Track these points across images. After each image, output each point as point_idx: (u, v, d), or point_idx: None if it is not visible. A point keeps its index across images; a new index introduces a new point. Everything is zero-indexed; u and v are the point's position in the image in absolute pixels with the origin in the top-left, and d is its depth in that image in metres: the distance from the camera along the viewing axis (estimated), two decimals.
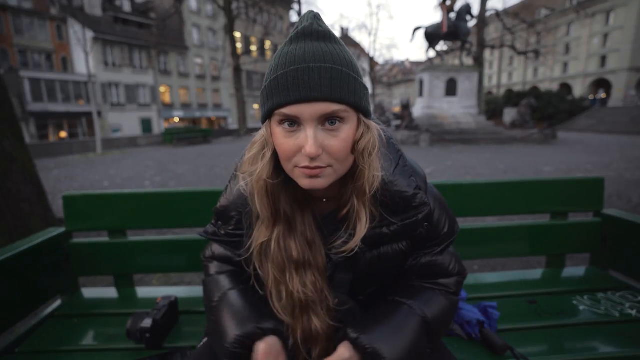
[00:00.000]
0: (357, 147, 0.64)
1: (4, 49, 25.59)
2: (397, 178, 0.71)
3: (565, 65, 43.29)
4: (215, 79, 37.80)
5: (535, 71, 47.45)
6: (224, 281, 0.81)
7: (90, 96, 16.98)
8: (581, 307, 1.27)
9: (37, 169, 3.35)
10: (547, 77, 45.02)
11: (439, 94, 16.11)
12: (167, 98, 33.99)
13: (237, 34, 30.33)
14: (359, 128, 0.64)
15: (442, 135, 14.14)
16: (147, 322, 1.05)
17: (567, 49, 42.58)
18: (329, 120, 0.60)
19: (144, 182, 7.49)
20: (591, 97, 36.48)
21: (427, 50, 16.94)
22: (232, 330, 0.70)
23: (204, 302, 0.84)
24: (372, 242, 0.72)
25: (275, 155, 0.66)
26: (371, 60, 39.00)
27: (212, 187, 1.38)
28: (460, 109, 16.16)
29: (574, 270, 1.57)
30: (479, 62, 20.92)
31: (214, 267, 0.87)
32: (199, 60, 36.16)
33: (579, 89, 40.55)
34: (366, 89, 0.65)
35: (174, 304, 1.18)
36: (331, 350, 0.70)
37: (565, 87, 42.12)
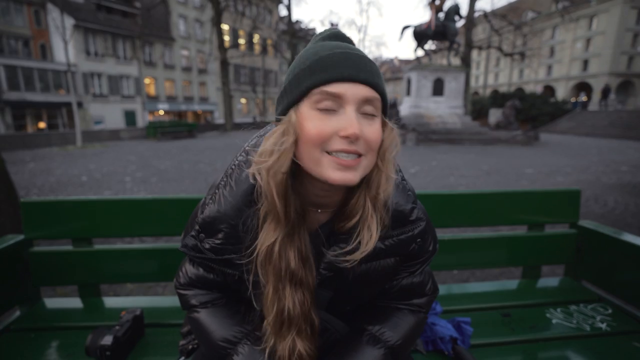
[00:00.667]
0: (383, 146, 0.63)
1: None
2: (396, 192, 0.70)
3: (550, 67, 44.26)
4: (202, 71, 37.20)
5: (521, 73, 48.35)
6: (212, 324, 0.76)
7: (70, 86, 16.46)
8: (554, 321, 1.27)
9: (5, 164, 3.20)
10: (532, 79, 45.92)
11: (426, 94, 16.23)
12: (152, 90, 33.29)
13: (225, 27, 29.94)
14: (385, 127, 0.64)
15: (428, 134, 14.26)
16: (107, 340, 0.99)
17: (552, 52, 43.52)
18: (366, 112, 0.60)
19: (125, 178, 7.30)
20: (573, 99, 37.39)
21: (415, 50, 17.01)
22: None
23: (196, 338, 0.81)
24: (366, 257, 0.69)
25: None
26: None
27: (182, 195, 1.33)
28: (446, 109, 16.32)
29: (549, 281, 1.59)
30: (466, 62, 21.14)
31: (194, 296, 0.79)
32: (185, 52, 35.49)
33: (562, 92, 41.54)
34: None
35: (138, 318, 1.13)
36: None
37: (549, 90, 43.07)
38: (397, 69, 73.47)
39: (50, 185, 6.56)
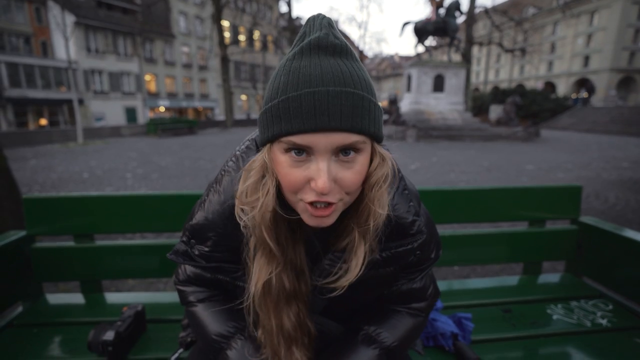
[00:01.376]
0: (370, 179, 0.57)
1: None
2: (397, 203, 0.66)
3: (550, 63, 44.06)
4: (203, 68, 37.11)
5: (522, 69, 48.17)
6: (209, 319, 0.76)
7: (71, 83, 16.44)
8: (555, 317, 1.27)
9: (7, 161, 3.20)
10: (533, 75, 45.77)
11: (427, 90, 16.19)
12: (152, 87, 33.23)
13: (225, 23, 29.82)
14: (373, 158, 0.57)
15: (429, 131, 14.24)
16: (109, 335, 1.00)
17: (553, 48, 43.32)
18: (343, 151, 0.53)
19: (126, 174, 7.31)
20: (574, 95, 37.29)
21: (415, 46, 16.96)
22: None
23: (193, 332, 0.81)
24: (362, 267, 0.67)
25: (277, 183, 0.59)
26: (360, 54, 38.90)
27: (183, 191, 1.33)
28: (447, 105, 16.29)
29: (550, 277, 1.59)
30: (467, 58, 21.06)
31: (192, 293, 0.80)
32: (185, 49, 35.39)
33: (562, 88, 41.37)
34: (382, 112, 0.58)
35: (140, 314, 1.13)
36: None
37: (550, 86, 42.91)
38: (398, 65, 73.24)
39: (52, 182, 6.57)
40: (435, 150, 10.88)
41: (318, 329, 0.73)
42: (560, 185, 1.53)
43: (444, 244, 1.34)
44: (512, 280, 1.58)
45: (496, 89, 30.74)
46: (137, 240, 1.38)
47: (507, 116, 17.02)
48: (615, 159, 9.34)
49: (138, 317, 1.12)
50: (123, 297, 1.41)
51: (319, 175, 0.51)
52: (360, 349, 0.71)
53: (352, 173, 0.54)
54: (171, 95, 34.71)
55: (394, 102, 16.44)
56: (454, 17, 15.98)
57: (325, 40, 0.52)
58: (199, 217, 0.68)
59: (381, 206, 0.58)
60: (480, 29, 41.26)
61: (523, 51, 24.17)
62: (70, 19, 24.75)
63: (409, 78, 16.85)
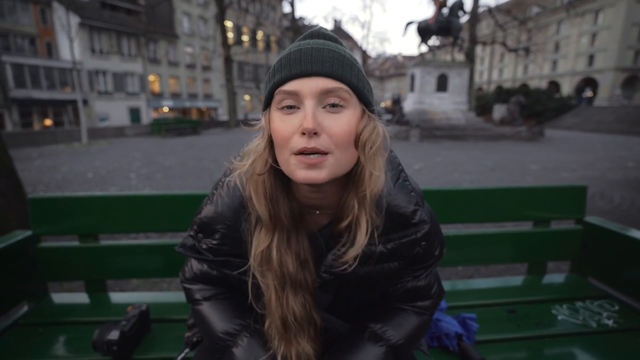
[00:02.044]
0: (360, 139, 0.59)
1: None
2: (397, 193, 0.67)
3: (555, 63, 43.79)
4: (206, 68, 37.21)
5: (525, 68, 47.90)
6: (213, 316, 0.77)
7: (76, 83, 16.53)
8: (560, 317, 1.26)
9: (13, 161, 3.22)
10: (537, 74, 45.50)
11: (430, 90, 16.15)
12: (156, 87, 33.35)
13: (229, 24, 29.88)
14: (362, 119, 0.60)
15: (432, 130, 14.20)
16: (114, 334, 1.00)
17: (557, 47, 43.05)
18: (330, 104, 0.57)
19: (130, 174, 7.34)
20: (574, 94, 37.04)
21: (419, 45, 16.91)
22: None
23: (199, 330, 0.82)
24: (367, 260, 0.67)
25: (272, 150, 0.61)
26: (363, 54, 38.85)
27: (187, 191, 1.33)
28: (450, 105, 16.23)
29: (555, 277, 1.58)
30: (470, 58, 20.98)
31: (198, 291, 0.80)
32: (189, 49, 35.48)
33: (567, 87, 41.12)
34: (369, 83, 0.62)
35: (144, 314, 1.14)
36: None
37: (554, 85, 42.66)
38: (401, 65, 73.08)
39: (56, 182, 6.61)
40: (438, 150, 10.85)
41: (325, 326, 0.74)
42: (565, 185, 1.52)
43: (447, 244, 1.34)
44: (517, 280, 1.58)
45: (500, 88, 30.56)
46: (141, 240, 1.39)
47: (511, 116, 16.93)
48: (620, 159, 9.27)
49: (142, 317, 1.13)
50: (127, 296, 1.42)
51: (306, 116, 0.55)
52: (367, 346, 0.71)
53: (339, 123, 0.57)
54: (175, 96, 34.81)
55: (397, 102, 16.41)
56: (457, 17, 15.93)
57: (316, 31, 0.63)
58: (208, 210, 0.71)
59: (376, 168, 0.60)
60: (484, 29, 41.14)
61: (527, 50, 24.06)
62: (74, 20, 24.88)
63: (413, 78, 16.82)
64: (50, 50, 28.33)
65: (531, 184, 6.00)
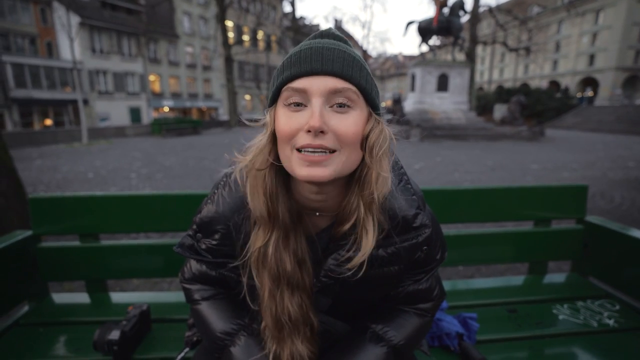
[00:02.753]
0: (368, 141, 0.59)
1: None
2: (399, 196, 0.67)
3: (555, 62, 43.76)
4: (207, 68, 37.20)
5: (526, 68, 47.86)
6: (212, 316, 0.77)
7: (76, 83, 16.53)
8: (560, 317, 1.26)
9: (13, 161, 3.22)
10: (537, 74, 45.45)
11: (431, 89, 16.13)
12: (156, 87, 33.35)
13: (229, 23, 29.87)
14: (369, 121, 0.60)
15: (433, 130, 14.18)
16: (114, 334, 1.00)
17: (557, 47, 43.02)
18: (337, 104, 0.57)
19: (130, 174, 7.34)
20: (579, 95, 37.01)
21: (419, 45, 16.90)
22: None
23: (198, 330, 0.82)
24: (367, 264, 0.66)
25: (274, 147, 0.61)
26: (364, 53, 38.84)
27: (188, 191, 1.33)
28: (451, 105, 16.22)
29: (555, 276, 1.58)
30: (471, 57, 20.96)
31: (197, 291, 0.80)
32: (189, 49, 35.48)
33: (570, 86, 41.06)
34: (376, 86, 0.63)
35: (145, 313, 1.14)
36: None
37: (555, 85, 42.62)
38: (402, 64, 73.04)
39: (57, 182, 6.62)
40: (439, 150, 10.84)
41: (324, 328, 0.73)
42: (566, 184, 1.51)
43: (448, 243, 1.34)
44: (518, 280, 1.58)
45: (500, 88, 30.54)
46: (142, 240, 1.39)
47: (512, 115, 16.91)
48: (621, 158, 9.26)
49: (143, 317, 1.13)
50: (128, 296, 1.42)
51: (313, 114, 0.55)
52: (368, 347, 0.71)
53: (346, 123, 0.57)
54: (175, 96, 34.81)
55: (397, 101, 16.39)
56: (458, 16, 15.91)
57: (326, 31, 0.63)
58: (208, 210, 0.70)
59: (383, 169, 0.60)
60: (485, 28, 41.08)
61: (527, 50, 24.02)
62: (75, 19, 24.88)
63: (413, 77, 16.80)
64: (51, 50, 28.33)
65: (532, 183, 5.99)
